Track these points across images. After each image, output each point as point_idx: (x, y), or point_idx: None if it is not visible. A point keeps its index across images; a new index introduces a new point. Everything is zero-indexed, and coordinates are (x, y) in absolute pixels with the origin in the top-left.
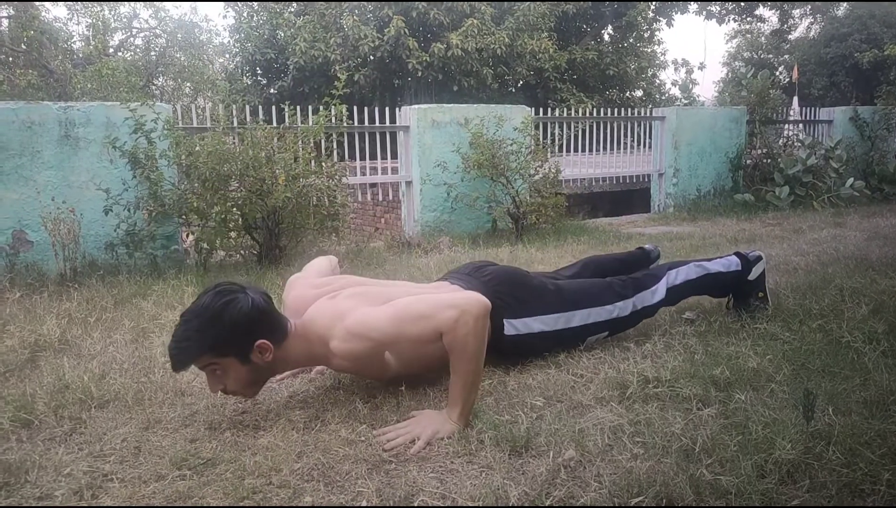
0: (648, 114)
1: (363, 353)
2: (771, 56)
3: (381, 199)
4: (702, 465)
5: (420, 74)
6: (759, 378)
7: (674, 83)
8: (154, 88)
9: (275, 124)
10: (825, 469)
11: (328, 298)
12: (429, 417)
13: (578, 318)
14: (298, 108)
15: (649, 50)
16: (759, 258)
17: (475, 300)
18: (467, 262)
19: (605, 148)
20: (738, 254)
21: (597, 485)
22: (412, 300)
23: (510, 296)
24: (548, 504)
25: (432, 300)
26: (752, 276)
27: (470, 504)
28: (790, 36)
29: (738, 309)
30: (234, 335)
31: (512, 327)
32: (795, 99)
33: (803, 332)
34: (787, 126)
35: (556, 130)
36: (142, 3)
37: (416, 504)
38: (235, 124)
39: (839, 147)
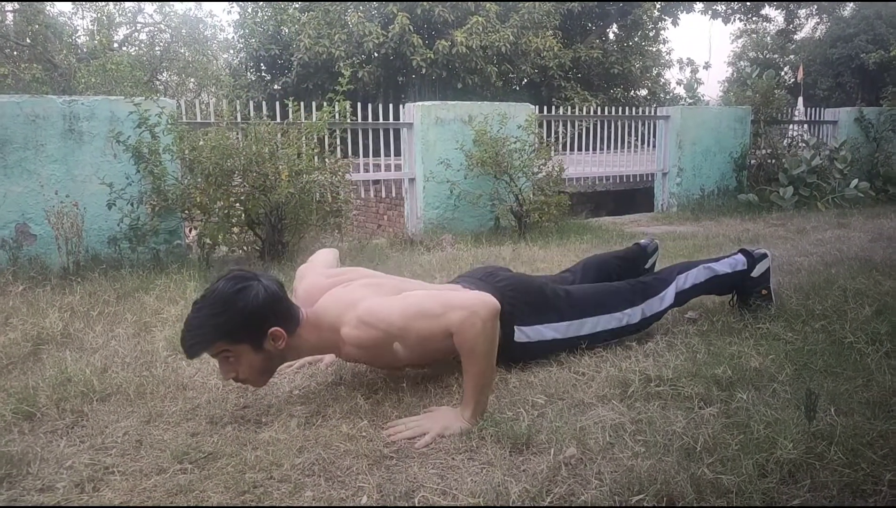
0: (653, 113)
1: (372, 342)
2: (776, 56)
3: (384, 196)
4: (703, 464)
5: (424, 71)
6: (761, 378)
7: (678, 82)
8: (158, 83)
9: (278, 120)
10: (826, 469)
11: (341, 287)
12: (442, 413)
13: (588, 326)
14: (302, 104)
15: (654, 49)
16: (764, 256)
17: (484, 302)
18: (479, 266)
19: (608, 147)
20: (743, 251)
21: (598, 483)
22: (424, 296)
23: (522, 303)
24: (548, 501)
25: (443, 299)
26: (756, 273)
27: (471, 501)
28: (796, 36)
29: (742, 306)
30: (247, 323)
31: (523, 334)
32: (800, 99)
33: (806, 332)
34: (791, 126)
35: (560, 129)
36: (149, 0)
37: (416, 500)
38: (239, 120)
39: (844, 148)
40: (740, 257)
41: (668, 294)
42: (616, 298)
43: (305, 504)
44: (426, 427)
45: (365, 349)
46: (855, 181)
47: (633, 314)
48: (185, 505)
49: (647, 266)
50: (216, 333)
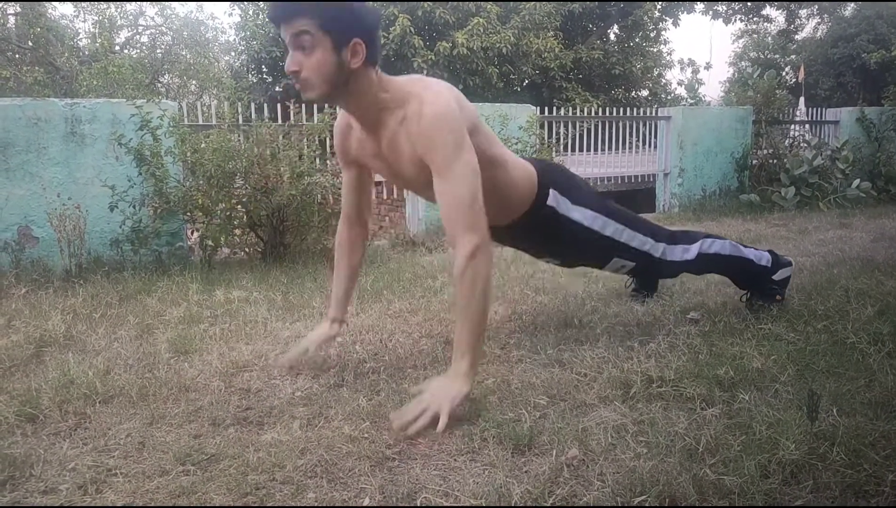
0: (654, 113)
1: (427, 139)
2: (777, 56)
3: (385, 197)
4: (705, 465)
5: (425, 72)
6: (763, 379)
7: (679, 83)
8: (160, 85)
9: (280, 122)
10: (829, 470)
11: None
12: (437, 386)
13: (612, 229)
14: (304, 106)
15: (655, 49)
16: (789, 264)
17: (489, 242)
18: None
19: (610, 147)
20: (771, 252)
21: (600, 484)
22: (472, 186)
23: (561, 176)
24: (550, 502)
25: (477, 205)
26: (778, 277)
27: (473, 502)
28: (797, 36)
29: (747, 305)
30: (344, 13)
31: (554, 198)
32: (802, 99)
33: (808, 333)
34: (793, 127)
35: (562, 130)
36: (148, 2)
37: (418, 501)
38: (240, 122)
39: (846, 148)
40: (767, 254)
41: (692, 250)
42: (645, 225)
43: (308, 506)
44: (436, 408)
45: (414, 140)
46: (857, 181)
47: (655, 247)
48: (187, 506)
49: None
50: (312, 6)
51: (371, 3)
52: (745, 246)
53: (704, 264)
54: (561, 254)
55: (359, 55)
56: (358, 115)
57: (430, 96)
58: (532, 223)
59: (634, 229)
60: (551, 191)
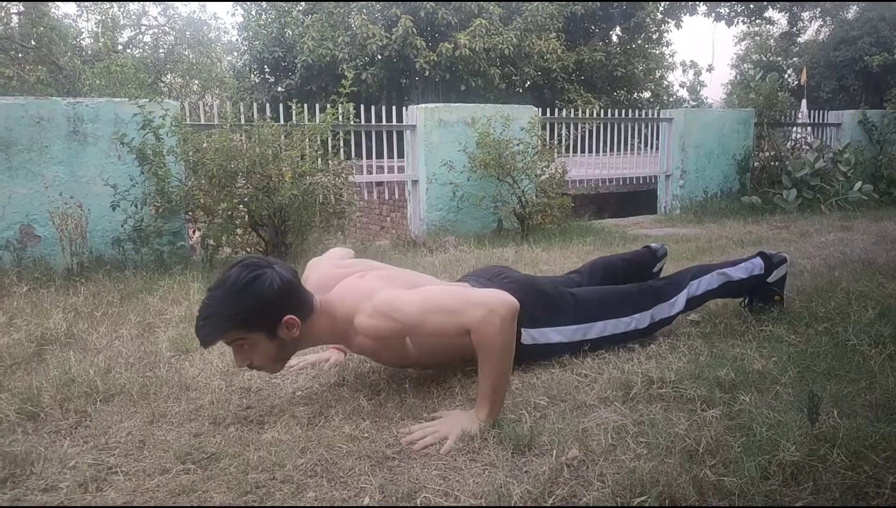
0: (656, 115)
1: (386, 333)
2: (780, 59)
3: (387, 197)
4: (705, 466)
5: (427, 73)
6: (763, 380)
7: (682, 85)
8: (162, 85)
9: (282, 122)
10: (829, 472)
11: (357, 277)
12: (456, 417)
13: (596, 330)
14: (306, 106)
15: (657, 51)
16: (783, 261)
17: (503, 300)
18: (484, 266)
19: (611, 149)
20: (762, 255)
21: (600, 485)
22: (442, 291)
23: (529, 305)
24: (550, 502)
25: (461, 296)
26: (773, 278)
27: (472, 502)
28: (799, 39)
29: (749, 308)
30: (262, 311)
31: (530, 336)
32: (804, 102)
33: (809, 335)
34: (795, 129)
35: (563, 131)
36: (152, 1)
37: (418, 501)
38: (243, 122)
39: (847, 150)
40: (758, 260)
41: (679, 300)
42: (625, 302)
43: (308, 505)
44: (445, 432)
45: (377, 341)
46: (858, 184)
47: (641, 320)
48: (189, 506)
49: (654, 270)
50: (230, 322)
51: (374, 2)
52: (734, 263)
53: (696, 304)
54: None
55: (294, 326)
56: (319, 343)
57: (368, 304)
58: (516, 361)
59: (618, 314)
60: (523, 331)
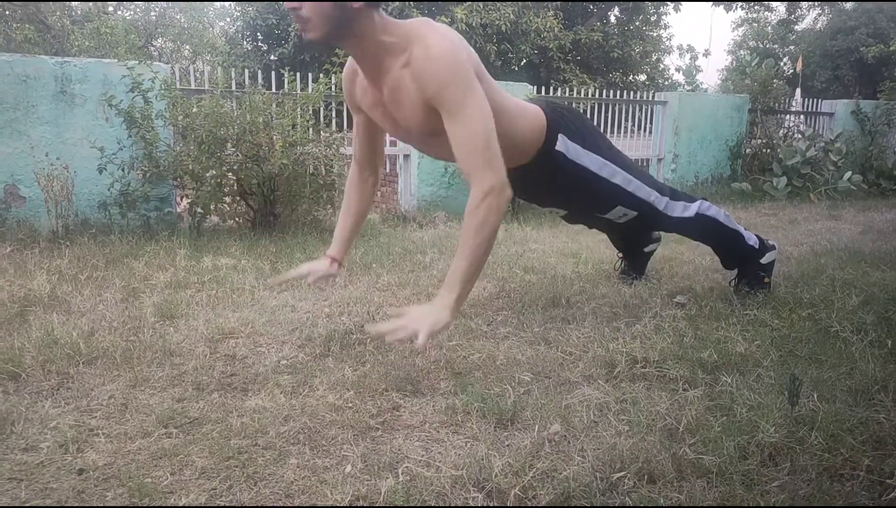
0: (651, 98)
1: (431, 86)
2: (776, 46)
3: None
4: (685, 444)
5: None
6: (746, 363)
7: (678, 69)
8: (153, 49)
9: (274, 90)
10: (807, 453)
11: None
12: (419, 311)
13: (621, 177)
14: (298, 75)
15: (655, 34)
16: (773, 248)
17: (506, 184)
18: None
19: (605, 130)
20: (757, 236)
21: (580, 459)
22: (489, 129)
23: (572, 121)
24: (531, 475)
25: (493, 147)
26: (765, 260)
27: (454, 473)
28: (797, 27)
29: (735, 289)
30: None
31: (563, 144)
32: (798, 90)
33: (793, 320)
34: (788, 117)
35: None
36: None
37: (400, 471)
38: (234, 88)
39: (839, 140)
40: (754, 236)
41: (692, 208)
42: (651, 178)
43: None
44: (414, 328)
45: (415, 83)
46: (848, 174)
47: (659, 199)
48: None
49: (646, 250)
50: None
51: None
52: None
53: (700, 225)
54: (566, 201)
55: None
56: (360, 59)
57: (435, 38)
58: (540, 168)
59: (641, 179)
60: (560, 136)
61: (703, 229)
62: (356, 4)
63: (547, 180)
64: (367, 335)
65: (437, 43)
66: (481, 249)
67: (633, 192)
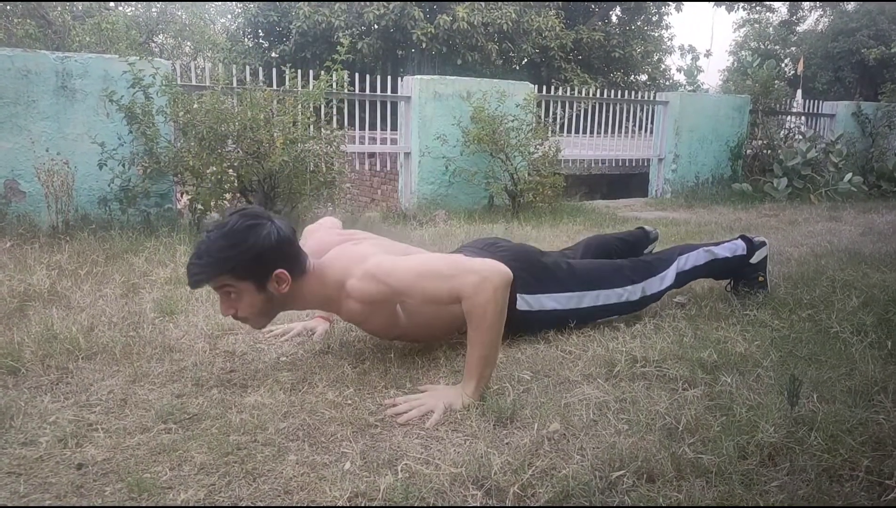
0: (652, 98)
1: (376, 297)
2: (777, 47)
3: (378, 169)
4: (684, 443)
5: (424, 45)
6: (746, 363)
7: (679, 69)
8: (154, 45)
9: (275, 87)
10: (806, 454)
11: (351, 244)
12: (442, 391)
13: (589, 299)
14: (299, 71)
15: (656, 34)
16: (762, 244)
17: (497, 269)
18: (478, 238)
19: (606, 130)
20: (743, 237)
21: (579, 458)
22: (435, 257)
23: (524, 271)
24: (529, 473)
25: (454, 262)
26: (755, 260)
27: (453, 470)
28: (798, 28)
29: (737, 290)
30: (254, 261)
31: (525, 302)
32: (799, 91)
33: (793, 321)
34: (789, 118)
35: (559, 110)
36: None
37: (399, 468)
38: (235, 85)
39: (840, 142)
40: (740, 242)
41: (669, 275)
42: (617, 274)
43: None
44: (431, 405)
45: (367, 306)
46: (849, 175)
47: (633, 292)
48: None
49: (645, 251)
50: (222, 266)
51: None
52: (718, 244)
53: (685, 279)
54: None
55: (284, 281)
56: (310, 306)
57: (360, 268)
58: (512, 331)
59: (610, 285)
60: (518, 296)
61: (687, 280)
62: (282, 288)
63: (520, 331)
64: (386, 408)
65: (362, 270)
66: (488, 339)
67: (606, 303)
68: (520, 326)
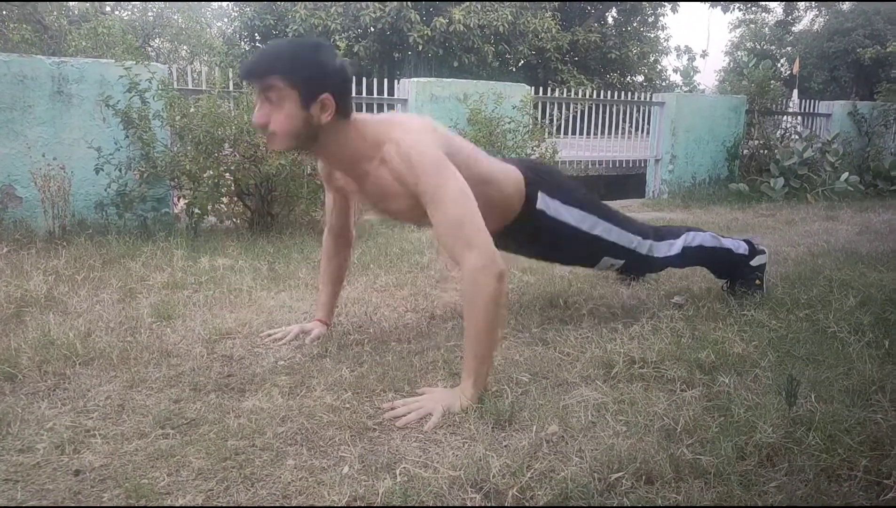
0: (648, 99)
1: (407, 180)
2: (773, 47)
3: None
4: (682, 444)
5: (421, 48)
6: (743, 363)
7: (675, 70)
8: (150, 49)
9: None
10: (804, 454)
11: (417, 117)
12: (441, 393)
13: (601, 229)
14: None
15: (652, 35)
16: (763, 252)
17: (493, 258)
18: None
19: (602, 132)
20: (747, 241)
21: (578, 460)
22: (468, 207)
23: (548, 176)
24: (528, 476)
25: (478, 226)
26: (755, 262)
27: (452, 473)
28: (794, 28)
29: (731, 292)
30: (312, 71)
31: (543, 202)
32: (795, 91)
33: (790, 321)
34: (785, 118)
35: (555, 111)
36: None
37: (397, 472)
38: (231, 89)
39: (836, 141)
40: (743, 243)
41: (677, 244)
42: (632, 223)
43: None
44: (429, 408)
45: (394, 181)
46: (845, 175)
47: (641, 244)
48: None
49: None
50: (280, 62)
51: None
52: (724, 236)
53: (689, 256)
54: (551, 256)
55: (328, 110)
56: (331, 162)
57: (403, 136)
58: (522, 227)
59: (622, 227)
60: (539, 194)
61: (691, 259)
62: (324, 118)
63: (530, 238)
64: (384, 412)
65: (405, 140)
66: (483, 332)
67: (616, 241)
68: (531, 223)
